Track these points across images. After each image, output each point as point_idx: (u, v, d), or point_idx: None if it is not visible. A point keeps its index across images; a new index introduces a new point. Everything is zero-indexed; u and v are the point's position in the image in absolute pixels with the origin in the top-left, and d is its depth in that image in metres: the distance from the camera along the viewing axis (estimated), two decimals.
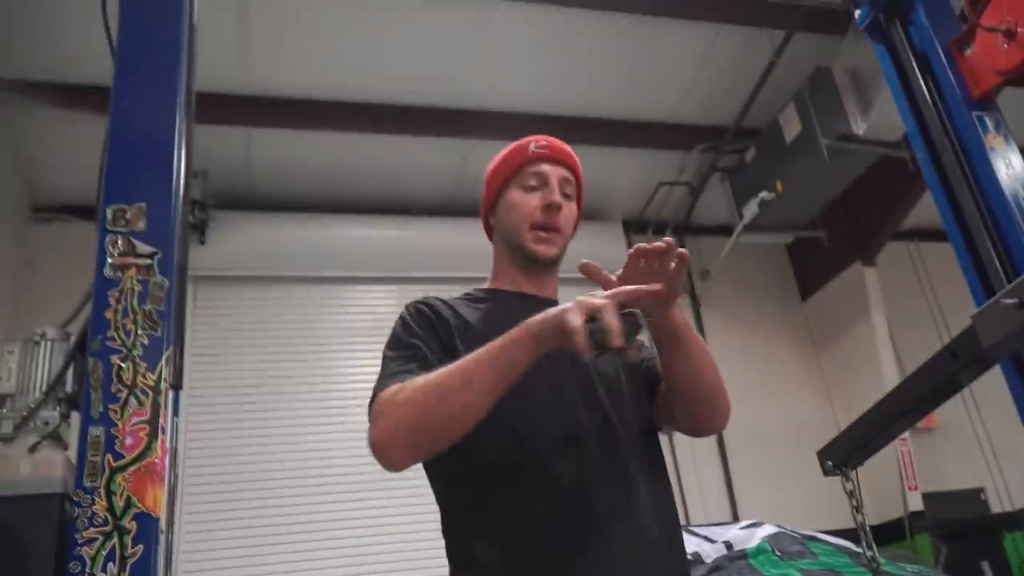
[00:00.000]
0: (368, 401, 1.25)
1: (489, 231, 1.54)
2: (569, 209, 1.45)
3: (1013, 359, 3.26)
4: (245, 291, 5.56)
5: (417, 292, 5.78)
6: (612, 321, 0.98)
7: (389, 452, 1.15)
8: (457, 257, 5.86)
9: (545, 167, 1.44)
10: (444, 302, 1.40)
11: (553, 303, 1.41)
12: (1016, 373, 3.27)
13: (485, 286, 1.51)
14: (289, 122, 5.00)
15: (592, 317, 1.00)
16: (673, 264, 1.15)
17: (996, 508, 6.08)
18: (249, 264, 5.49)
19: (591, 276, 1.19)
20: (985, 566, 4.84)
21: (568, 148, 1.49)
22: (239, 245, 5.36)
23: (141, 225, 1.36)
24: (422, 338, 1.29)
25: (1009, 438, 5.46)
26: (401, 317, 1.37)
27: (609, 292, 1.04)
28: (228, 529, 4.88)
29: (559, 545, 1.15)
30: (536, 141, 1.46)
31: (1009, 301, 1.16)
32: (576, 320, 1.00)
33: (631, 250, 1.18)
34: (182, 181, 1.49)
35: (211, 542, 4.81)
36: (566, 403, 1.28)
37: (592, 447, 1.24)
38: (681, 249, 1.16)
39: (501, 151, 1.53)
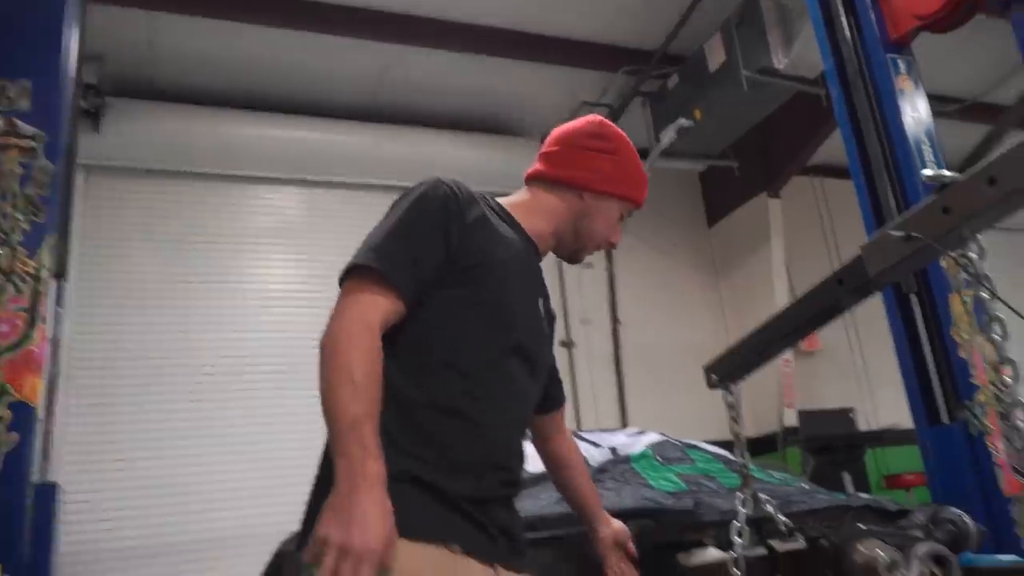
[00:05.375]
0: (343, 272, 1.23)
1: (563, 182, 1.50)
2: None
3: (894, 289, 3.49)
4: (146, 185, 5.33)
5: (328, 198, 5.69)
6: None
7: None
8: (372, 164, 5.75)
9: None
10: (475, 197, 1.36)
11: (538, 259, 1.48)
12: (895, 302, 3.51)
13: (510, 209, 1.47)
14: (199, 9, 4.71)
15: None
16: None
17: (863, 427, 6.60)
18: (150, 157, 5.24)
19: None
20: (845, 476, 5.33)
21: None
22: (139, 136, 5.10)
23: (25, 104, 1.29)
24: (428, 242, 1.26)
25: (882, 362, 5.86)
26: (425, 195, 1.30)
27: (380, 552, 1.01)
28: (126, 423, 4.82)
29: (494, 446, 1.28)
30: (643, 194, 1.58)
31: (897, 233, 1.23)
32: (329, 562, 0.99)
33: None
34: (72, 61, 1.41)
35: (104, 435, 4.76)
36: (536, 340, 1.40)
37: (533, 380, 1.39)
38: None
39: (630, 157, 1.55)
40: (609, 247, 1.56)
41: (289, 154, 5.53)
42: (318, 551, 1.00)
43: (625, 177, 1.52)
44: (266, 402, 5.16)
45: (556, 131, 1.56)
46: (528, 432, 1.54)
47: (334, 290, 1.24)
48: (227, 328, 5.27)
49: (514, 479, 1.32)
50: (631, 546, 1.67)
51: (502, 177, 5.59)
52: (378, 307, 1.19)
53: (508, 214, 1.44)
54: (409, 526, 1.08)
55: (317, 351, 1.15)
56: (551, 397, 1.60)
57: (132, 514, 4.69)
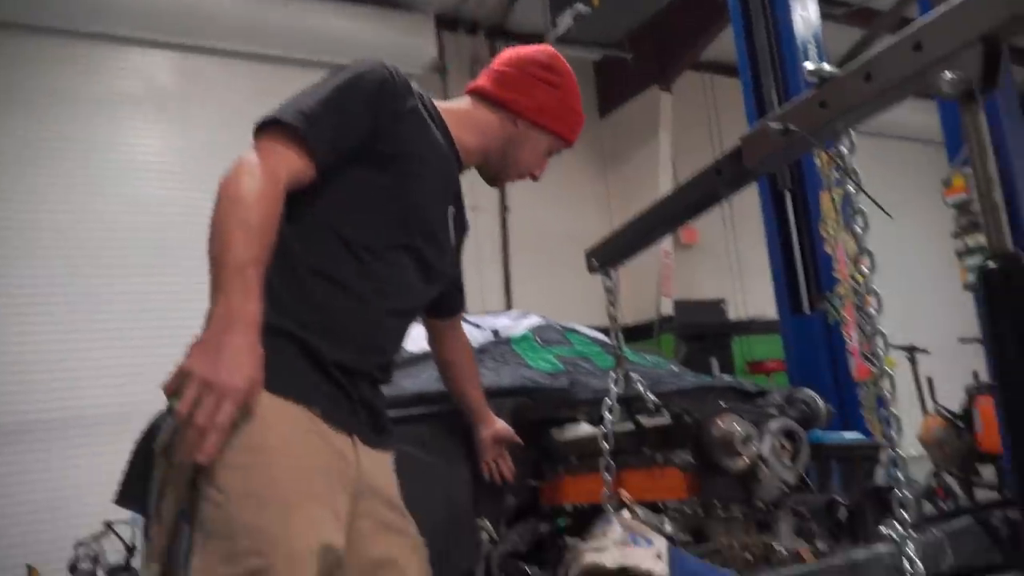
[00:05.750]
0: (263, 120, 1.19)
1: (502, 103, 1.49)
2: None
3: (770, 185, 3.65)
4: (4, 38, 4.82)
5: (206, 66, 5.32)
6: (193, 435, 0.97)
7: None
8: (255, 32, 5.38)
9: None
10: (412, 90, 1.34)
11: (459, 170, 1.46)
12: (770, 197, 3.67)
13: (444, 114, 1.43)
14: None
15: (191, 412, 0.97)
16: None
17: (733, 316, 7.04)
18: (10, 7, 4.72)
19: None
20: (713, 362, 5.75)
21: None
22: None
23: None
24: (355, 116, 1.24)
25: (754, 256, 6.19)
26: (363, 73, 1.27)
27: (237, 396, 0.99)
28: None
29: (373, 326, 1.27)
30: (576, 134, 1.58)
31: (775, 125, 1.26)
32: (189, 393, 0.97)
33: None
34: None
35: None
36: (436, 248, 1.38)
37: (426, 283, 1.38)
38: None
39: (572, 95, 1.55)
40: (531, 179, 1.57)
41: (161, 14, 5.09)
42: (179, 383, 0.98)
43: (562, 114, 1.53)
44: (141, 279, 4.96)
45: (509, 52, 1.55)
46: (414, 326, 1.55)
47: (212, 165, 1.18)
48: (92, 198, 4.96)
49: (386, 363, 1.33)
50: (515, 437, 1.75)
51: (391, 53, 5.38)
52: (289, 163, 1.17)
53: (441, 118, 1.42)
54: (274, 381, 1.07)
55: (216, 192, 1.11)
56: (449, 304, 1.62)
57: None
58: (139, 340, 4.85)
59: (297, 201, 1.19)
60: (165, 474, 1.10)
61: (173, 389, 0.98)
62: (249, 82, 5.40)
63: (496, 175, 1.56)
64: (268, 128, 1.18)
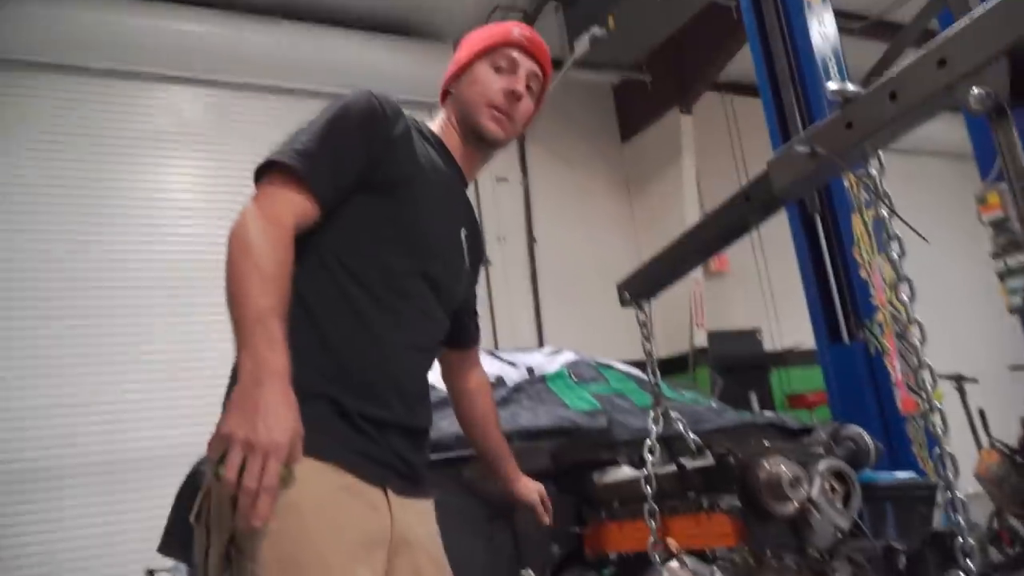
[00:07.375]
0: (262, 164, 1.18)
1: (443, 96, 1.48)
2: (527, 104, 1.45)
3: (799, 209, 3.58)
4: (31, 80, 4.88)
5: (234, 101, 5.32)
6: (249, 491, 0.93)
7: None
8: (281, 66, 5.45)
9: (518, 55, 1.42)
10: (403, 114, 1.32)
11: (464, 189, 1.44)
12: (800, 222, 3.60)
13: (435, 129, 1.43)
14: None
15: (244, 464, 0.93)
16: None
17: (769, 347, 6.89)
18: (43, 49, 4.80)
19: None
20: (752, 396, 5.59)
21: (546, 47, 1.48)
22: (23, 25, 4.65)
23: None
24: (349, 147, 1.23)
25: (787, 283, 6.07)
26: (351, 103, 1.26)
27: (283, 448, 0.95)
28: (17, 339, 4.56)
29: (396, 366, 1.24)
30: (520, 27, 1.45)
31: (801, 149, 1.23)
32: (234, 458, 0.93)
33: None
34: None
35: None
36: (449, 271, 1.35)
37: (443, 311, 1.36)
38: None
39: (476, 33, 1.48)
40: (506, 98, 1.39)
41: (190, 51, 5.17)
42: (221, 447, 0.96)
43: (471, 46, 1.45)
44: (179, 319, 4.95)
45: None
46: (436, 363, 1.50)
47: (244, 200, 1.17)
48: (127, 239, 4.99)
49: (414, 404, 1.27)
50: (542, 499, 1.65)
51: (414, 82, 5.40)
52: (294, 207, 1.15)
53: (438, 139, 1.40)
54: (303, 441, 1.02)
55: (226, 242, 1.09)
56: (466, 332, 1.57)
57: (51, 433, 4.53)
58: (177, 380, 4.83)
59: (302, 242, 1.17)
60: (203, 541, 1.08)
61: (216, 454, 0.96)
62: (277, 115, 5.45)
63: (471, 128, 1.41)
64: (268, 172, 1.18)
